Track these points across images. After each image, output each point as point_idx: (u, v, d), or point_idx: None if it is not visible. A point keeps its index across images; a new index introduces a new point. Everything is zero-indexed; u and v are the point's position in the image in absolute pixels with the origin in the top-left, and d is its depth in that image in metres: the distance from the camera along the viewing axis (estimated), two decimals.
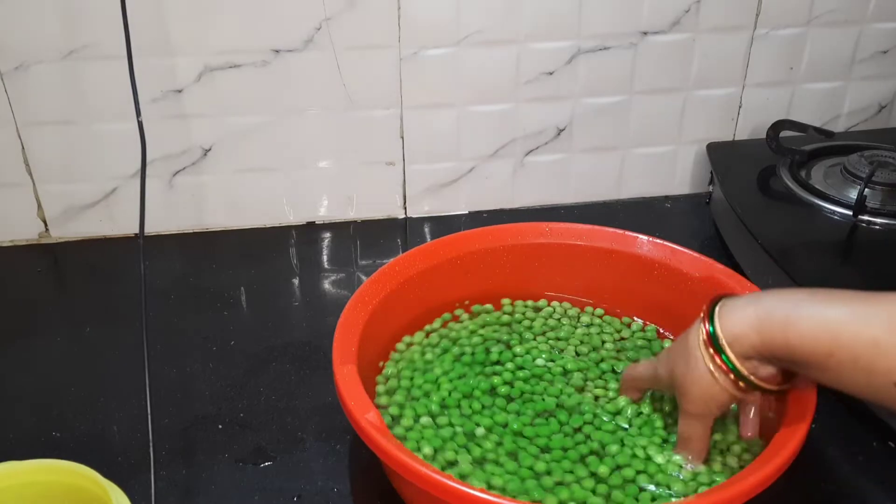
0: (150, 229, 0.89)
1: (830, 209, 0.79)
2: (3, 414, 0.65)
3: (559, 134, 0.92)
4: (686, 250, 0.70)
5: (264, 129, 0.86)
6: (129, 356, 0.71)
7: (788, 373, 0.52)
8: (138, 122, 0.65)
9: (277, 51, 0.82)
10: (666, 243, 0.70)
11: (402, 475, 0.49)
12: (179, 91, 0.82)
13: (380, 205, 0.93)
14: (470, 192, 0.93)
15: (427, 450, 0.57)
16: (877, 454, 0.61)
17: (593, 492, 0.55)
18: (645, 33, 0.87)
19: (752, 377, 0.50)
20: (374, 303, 0.64)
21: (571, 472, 0.56)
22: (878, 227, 0.77)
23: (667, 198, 0.98)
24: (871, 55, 0.94)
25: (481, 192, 0.94)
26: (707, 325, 0.51)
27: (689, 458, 0.56)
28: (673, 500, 0.54)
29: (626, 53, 0.88)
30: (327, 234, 0.91)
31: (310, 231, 0.92)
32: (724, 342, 0.50)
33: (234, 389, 0.67)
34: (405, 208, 0.94)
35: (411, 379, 0.65)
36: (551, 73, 0.88)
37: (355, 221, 0.93)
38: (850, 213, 0.78)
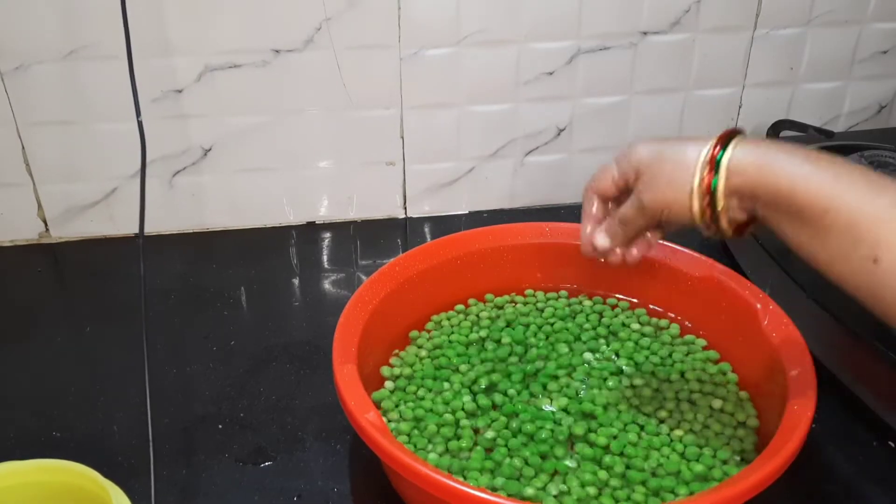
0: (150, 229, 0.89)
1: None
2: (3, 414, 0.65)
3: (559, 134, 0.92)
4: (686, 250, 0.70)
5: (264, 129, 0.86)
6: (129, 356, 0.70)
7: (746, 225, 0.50)
8: (138, 122, 0.65)
9: (277, 51, 0.82)
10: (666, 243, 0.70)
11: (403, 475, 0.49)
12: (179, 91, 0.82)
13: (380, 205, 0.93)
14: (470, 192, 0.93)
15: (427, 449, 0.57)
16: (877, 454, 0.61)
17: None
18: (645, 33, 0.87)
19: (721, 212, 0.49)
20: (374, 303, 0.64)
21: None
22: None
23: None
24: (871, 55, 0.94)
25: (481, 192, 0.94)
26: (718, 149, 0.48)
27: (610, 238, 0.56)
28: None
29: (625, 53, 0.88)
30: (327, 234, 0.91)
31: (310, 231, 0.92)
32: (723, 170, 0.48)
33: (234, 389, 0.67)
34: (405, 208, 0.94)
35: (412, 378, 0.65)
36: (551, 73, 0.88)
37: (355, 221, 0.93)
38: None
